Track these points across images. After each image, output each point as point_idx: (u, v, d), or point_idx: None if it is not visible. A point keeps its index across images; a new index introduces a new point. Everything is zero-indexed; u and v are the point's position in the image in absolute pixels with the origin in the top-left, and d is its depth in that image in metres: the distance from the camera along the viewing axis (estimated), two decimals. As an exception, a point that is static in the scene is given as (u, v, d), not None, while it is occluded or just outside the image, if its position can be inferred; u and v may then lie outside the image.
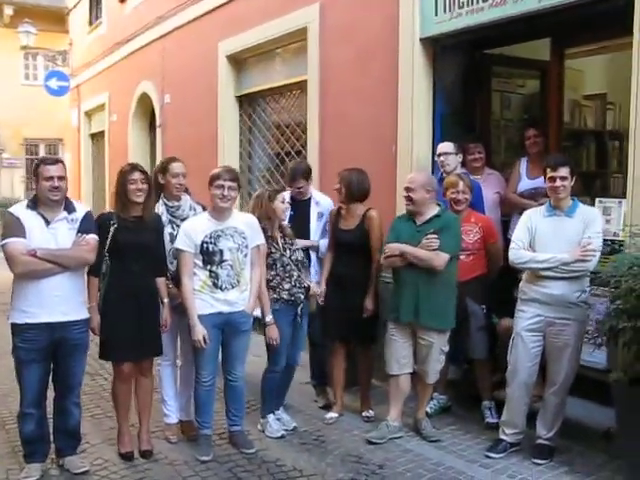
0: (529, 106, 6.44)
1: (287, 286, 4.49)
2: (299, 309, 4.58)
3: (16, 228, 3.78)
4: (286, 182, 5.29)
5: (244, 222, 4.24)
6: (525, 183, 5.31)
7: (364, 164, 5.86)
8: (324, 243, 5.14)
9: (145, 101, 10.86)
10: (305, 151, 7.04)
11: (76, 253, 3.89)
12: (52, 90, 14.07)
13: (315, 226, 5.18)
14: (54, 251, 3.83)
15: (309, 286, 4.68)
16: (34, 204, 3.92)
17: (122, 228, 4.12)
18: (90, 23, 13.45)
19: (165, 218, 4.46)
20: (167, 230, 4.43)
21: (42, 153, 19.56)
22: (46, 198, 3.86)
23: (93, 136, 13.89)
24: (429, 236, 4.27)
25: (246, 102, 8.29)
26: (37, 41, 15.25)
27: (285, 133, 7.57)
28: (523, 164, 5.38)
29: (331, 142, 6.41)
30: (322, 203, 5.26)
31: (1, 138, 18.27)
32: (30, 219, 3.84)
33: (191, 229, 4.16)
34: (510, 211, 5.39)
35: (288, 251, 4.59)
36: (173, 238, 4.35)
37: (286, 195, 4.77)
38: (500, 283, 4.96)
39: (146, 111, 11.09)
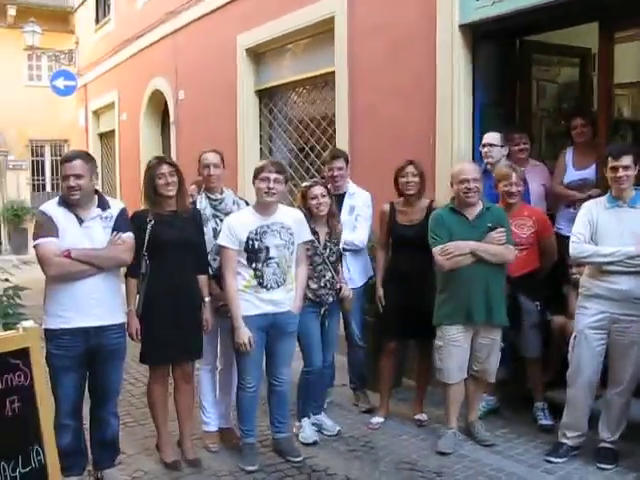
0: (565, 95, 6.23)
1: (314, 286, 4.29)
2: (322, 310, 4.38)
3: (49, 227, 3.55)
4: (325, 161, 5.02)
5: (291, 217, 4.02)
6: (572, 174, 5.10)
7: (399, 158, 5.65)
8: (357, 238, 4.90)
9: (157, 98, 10.66)
10: (332, 146, 6.82)
11: (112, 253, 3.67)
12: (59, 90, 13.85)
13: (346, 220, 4.90)
14: (89, 251, 3.61)
15: (341, 287, 4.47)
16: (65, 202, 3.69)
17: (160, 224, 3.91)
18: (97, 21, 13.26)
19: (208, 212, 4.27)
20: (210, 225, 4.23)
21: (47, 154, 19.33)
22: (67, 198, 3.64)
23: (102, 136, 13.68)
24: (499, 230, 4.08)
25: (266, 96, 8.08)
26: (41, 41, 15.01)
27: (309, 127, 7.36)
28: (569, 155, 5.18)
29: (362, 136, 6.20)
30: (357, 195, 5.00)
31: (6, 140, 17.99)
32: (63, 218, 3.61)
33: (235, 224, 3.94)
34: (556, 203, 5.19)
35: (328, 250, 4.39)
36: (217, 234, 4.14)
37: (317, 190, 4.37)
38: (550, 279, 4.77)
39: (158, 108, 10.88)
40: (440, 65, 5.35)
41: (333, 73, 6.64)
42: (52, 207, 3.66)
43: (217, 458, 4.22)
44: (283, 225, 3.95)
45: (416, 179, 4.55)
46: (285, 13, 7.17)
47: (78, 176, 3.59)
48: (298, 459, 4.10)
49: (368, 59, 6.13)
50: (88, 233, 3.65)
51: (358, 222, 4.88)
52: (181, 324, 3.93)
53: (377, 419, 4.75)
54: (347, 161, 5.08)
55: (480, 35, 5.30)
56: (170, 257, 3.92)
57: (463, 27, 5.23)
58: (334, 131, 6.81)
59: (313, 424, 4.52)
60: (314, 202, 4.28)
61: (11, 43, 17.34)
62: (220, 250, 3.99)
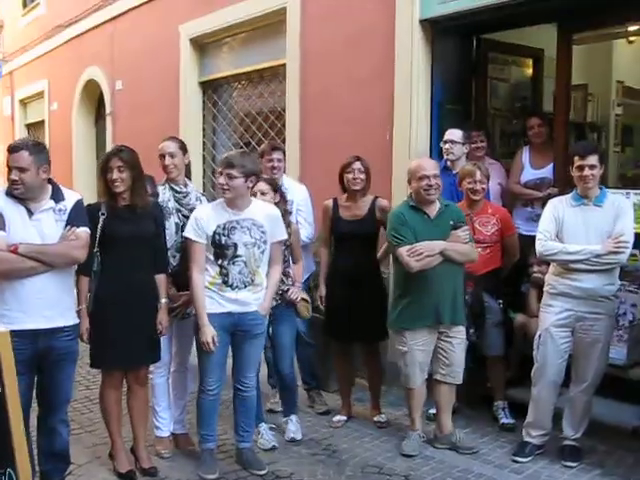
0: (516, 95, 6.26)
1: None
2: None
3: None
4: (265, 152, 4.83)
5: (264, 214, 3.79)
6: (529, 173, 5.12)
7: (354, 152, 5.55)
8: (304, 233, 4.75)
9: (91, 88, 10.17)
10: (280, 140, 6.65)
11: (64, 249, 3.37)
12: (-18, 76, 13.09)
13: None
14: (38, 247, 3.31)
15: (288, 289, 4.22)
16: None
17: (113, 218, 3.66)
18: (25, 4, 12.56)
19: (171, 205, 4.04)
20: (173, 219, 4.01)
21: (-33, 145, 18.31)
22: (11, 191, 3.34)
23: (29, 126, 12.99)
24: (464, 228, 4.02)
25: (211, 88, 7.81)
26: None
27: (256, 121, 7.13)
28: (525, 154, 5.20)
29: (314, 130, 6.04)
30: (294, 189, 4.85)
31: None
32: (10, 209, 3.31)
33: (203, 217, 3.71)
34: (512, 202, 5.19)
35: None
36: (179, 229, 3.93)
37: (262, 186, 4.15)
38: (509, 277, 4.76)
39: (92, 99, 10.40)
40: (399, 60, 5.25)
41: (283, 65, 6.45)
42: (1, 197, 3.35)
43: (174, 466, 4.00)
44: (254, 222, 3.73)
45: (362, 175, 4.48)
46: (233, 3, 6.92)
47: (21, 169, 3.27)
48: (263, 472, 3.88)
49: (322, 51, 5.97)
50: (38, 227, 3.36)
51: (300, 217, 4.76)
52: (135, 326, 3.68)
53: (340, 417, 4.67)
54: (284, 154, 4.94)
55: (439, 31, 5.23)
56: (123, 254, 3.67)
57: (423, 22, 5.13)
58: (283, 125, 6.64)
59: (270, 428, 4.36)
60: (260, 197, 4.05)
61: None
62: (187, 244, 3.76)
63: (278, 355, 4.35)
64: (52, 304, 3.36)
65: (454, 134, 4.86)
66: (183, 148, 4.26)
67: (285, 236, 3.94)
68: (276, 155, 4.77)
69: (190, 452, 4.12)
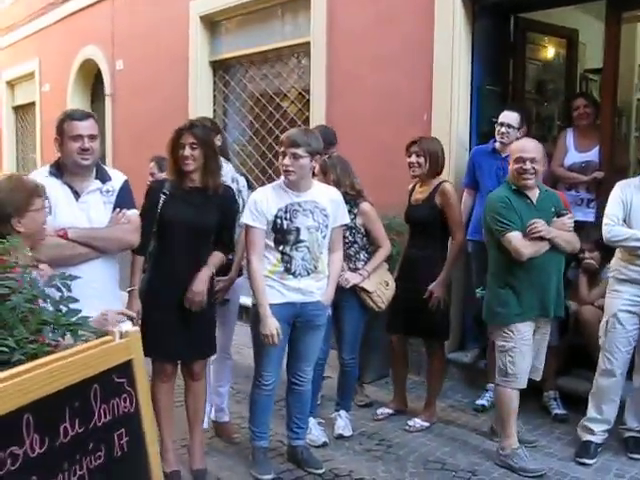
0: (548, 76, 6.07)
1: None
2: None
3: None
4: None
5: (327, 196, 3.54)
6: (574, 156, 4.96)
7: (386, 135, 5.37)
8: None
9: (88, 68, 9.78)
10: (301, 121, 6.42)
11: (118, 233, 3.16)
12: (-35, 56, 12.53)
13: None
14: (89, 231, 3.09)
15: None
16: (58, 171, 3.15)
17: (175, 199, 3.41)
18: (12, -18, 12.06)
19: None
20: None
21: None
22: (73, 163, 3.10)
23: (17, 108, 12.52)
24: (569, 215, 3.78)
25: (222, 68, 7.51)
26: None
27: (273, 102, 6.88)
28: (570, 136, 5.03)
29: (342, 111, 5.79)
30: None
31: None
32: (55, 190, 3.06)
33: (262, 200, 3.43)
34: (554, 186, 5.02)
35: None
36: None
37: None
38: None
39: (89, 79, 10.00)
40: (439, 39, 5.04)
41: (306, 44, 6.20)
42: (43, 177, 3.08)
43: (223, 466, 3.78)
44: (317, 205, 3.47)
45: (420, 159, 4.21)
46: (248, -22, 6.65)
47: (93, 137, 3.09)
48: (320, 471, 3.67)
49: (351, 28, 5.73)
50: (86, 209, 3.13)
51: None
52: (188, 320, 3.44)
53: (384, 410, 4.48)
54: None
55: (480, 9, 5.04)
56: (182, 240, 3.41)
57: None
58: (304, 106, 6.41)
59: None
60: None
61: None
62: (245, 230, 3.51)
63: (339, 342, 4.16)
64: (102, 294, 3.10)
65: (511, 118, 4.63)
66: (215, 129, 4.05)
67: (347, 220, 3.72)
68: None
69: (234, 440, 4.02)
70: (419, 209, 4.24)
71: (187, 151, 3.37)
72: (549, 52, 5.93)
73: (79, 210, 3.12)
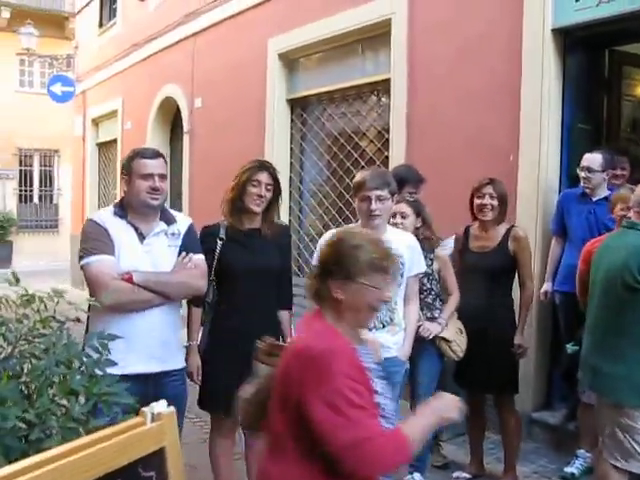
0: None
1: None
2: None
3: (103, 242, 2.84)
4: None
5: (403, 243, 3.28)
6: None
7: (468, 175, 5.05)
8: None
9: (168, 106, 9.92)
10: (380, 161, 6.19)
11: (185, 279, 2.96)
12: (56, 96, 12.98)
13: None
14: (154, 275, 2.90)
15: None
16: (123, 211, 2.98)
17: (233, 244, 3.23)
18: (101, 25, 12.48)
19: None
20: None
21: (36, 164, 18.53)
22: (141, 203, 2.93)
23: (100, 145, 12.87)
24: None
25: (299, 106, 7.40)
26: (36, 46, 14.24)
27: (351, 141, 6.69)
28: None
29: (422, 150, 5.53)
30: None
31: (-8, 147, 17.17)
32: (120, 231, 2.91)
33: None
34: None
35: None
36: None
37: (404, 207, 3.78)
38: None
39: (168, 117, 10.15)
40: (527, 74, 4.73)
41: (386, 81, 6.00)
42: (108, 217, 2.95)
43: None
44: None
45: (494, 202, 3.91)
46: (328, 15, 6.52)
47: (163, 176, 2.96)
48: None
49: (432, 65, 5.50)
50: (151, 252, 2.95)
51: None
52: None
53: (461, 474, 4.11)
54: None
55: (571, 42, 4.71)
56: (242, 287, 3.23)
57: (556, 31, 4.62)
58: (383, 145, 6.18)
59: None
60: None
61: (3, 47, 16.66)
62: None
63: (414, 395, 3.87)
64: (163, 343, 2.94)
65: (592, 161, 4.28)
66: None
67: (424, 269, 3.44)
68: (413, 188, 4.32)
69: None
70: (490, 257, 3.92)
71: (262, 191, 3.20)
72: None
73: (144, 253, 2.95)
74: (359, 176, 3.24)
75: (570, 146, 4.78)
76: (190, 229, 3.12)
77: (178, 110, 9.59)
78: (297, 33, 6.97)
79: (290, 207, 7.29)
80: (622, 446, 3.09)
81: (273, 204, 3.29)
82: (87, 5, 13.20)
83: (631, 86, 5.28)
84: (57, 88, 13.01)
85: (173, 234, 3.03)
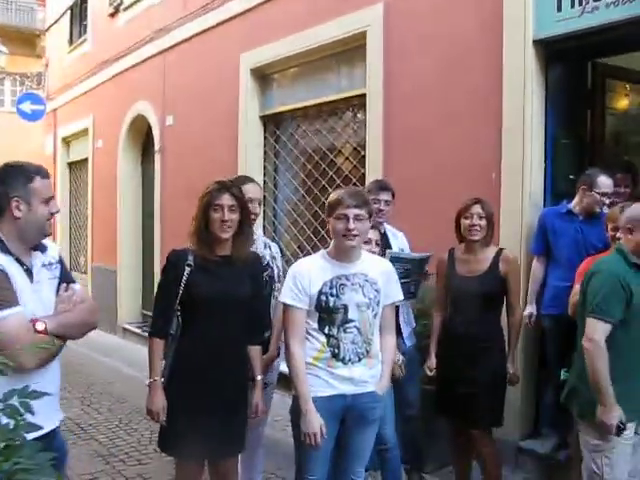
0: (631, 127, 5.47)
1: None
2: None
3: (10, 290, 2.30)
4: (370, 191, 4.15)
5: (378, 268, 3.04)
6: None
7: (448, 195, 4.88)
8: None
9: (139, 124, 9.64)
10: (356, 179, 5.97)
11: (82, 317, 2.52)
12: (25, 114, 12.62)
13: None
14: (59, 319, 2.42)
15: None
16: (3, 244, 2.39)
17: (202, 272, 2.95)
18: (71, 42, 12.19)
19: None
20: None
21: (7, 184, 18.08)
22: (39, 231, 2.48)
23: (71, 165, 12.52)
24: None
25: (273, 123, 7.16)
26: (6, 63, 13.93)
27: (326, 158, 6.46)
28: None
29: (399, 169, 5.31)
30: (400, 237, 4.20)
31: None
32: (14, 272, 2.36)
33: (304, 274, 2.92)
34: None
35: None
36: None
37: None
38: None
39: (139, 135, 9.86)
40: (509, 87, 4.53)
41: (362, 96, 5.79)
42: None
43: None
44: (367, 278, 2.96)
45: (482, 222, 3.69)
46: (300, 29, 6.32)
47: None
48: None
49: (411, 78, 5.29)
50: (39, 291, 2.45)
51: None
52: (221, 407, 2.95)
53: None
54: (394, 197, 4.22)
55: (553, 54, 4.53)
56: (211, 318, 2.96)
57: (537, 43, 4.44)
58: (359, 162, 5.96)
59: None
60: (366, 247, 3.36)
61: (-30, 65, 16.37)
62: (283, 310, 3.00)
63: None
64: (56, 398, 2.53)
65: (608, 185, 4.11)
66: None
67: (401, 297, 3.19)
68: (384, 196, 4.04)
69: None
70: (481, 280, 3.68)
71: (226, 215, 2.94)
72: (631, 101, 5.34)
73: (33, 293, 2.43)
74: (335, 194, 2.96)
75: (554, 161, 4.59)
76: (60, 255, 2.66)
77: (149, 128, 9.32)
78: (269, 48, 6.76)
79: (264, 227, 7.03)
80: (590, 468, 3.04)
81: (243, 228, 3.02)
82: (57, 22, 12.93)
83: (614, 99, 5.11)
84: (26, 106, 12.67)
85: (50, 264, 2.55)
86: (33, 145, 14.49)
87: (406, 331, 4.03)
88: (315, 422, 2.84)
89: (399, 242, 4.14)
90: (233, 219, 2.96)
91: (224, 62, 7.45)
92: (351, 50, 5.94)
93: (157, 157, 9.02)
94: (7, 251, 2.36)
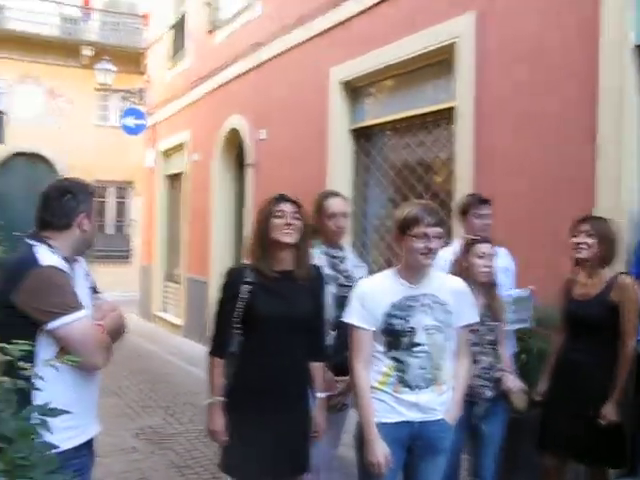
0: None
1: None
2: (475, 409, 3.32)
3: (74, 293, 2.38)
4: (471, 205, 4.05)
5: (449, 288, 2.88)
6: None
7: (543, 212, 4.64)
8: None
9: (233, 138, 9.81)
10: (443, 194, 5.79)
11: (116, 322, 2.58)
12: (129, 128, 13.21)
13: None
14: (107, 322, 2.52)
15: (502, 378, 3.38)
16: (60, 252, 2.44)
17: (262, 290, 2.88)
18: (171, 59, 12.62)
19: (328, 272, 3.28)
20: (329, 289, 3.25)
21: (112, 196, 19.08)
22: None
23: (170, 178, 12.92)
24: None
25: (363, 137, 7.08)
26: (113, 81, 14.61)
27: (415, 173, 6.31)
28: None
29: (491, 184, 5.08)
30: (503, 254, 4.00)
31: (71, 180, 17.74)
32: (77, 279, 2.48)
33: (370, 294, 2.80)
34: None
35: (484, 327, 3.33)
36: (336, 301, 3.21)
37: (485, 248, 3.44)
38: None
39: (233, 149, 10.03)
40: (605, 100, 4.23)
41: (450, 109, 5.62)
42: (60, 261, 2.39)
43: None
44: (437, 299, 2.80)
45: (589, 240, 3.47)
46: (390, 42, 6.22)
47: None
48: None
49: (503, 90, 5.08)
50: (82, 298, 2.47)
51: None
52: (283, 427, 2.88)
53: None
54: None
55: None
56: (271, 336, 2.89)
57: (638, 48, 4.15)
58: (448, 177, 5.78)
59: None
60: (481, 262, 3.28)
61: (84, 84, 17.50)
62: (349, 331, 2.88)
63: (482, 461, 3.46)
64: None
65: None
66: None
67: (476, 319, 3.02)
68: (486, 210, 4.01)
69: None
70: (588, 306, 3.47)
71: (289, 219, 2.86)
72: None
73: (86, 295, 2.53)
74: (409, 210, 2.79)
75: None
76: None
77: (242, 141, 9.45)
78: (359, 61, 6.70)
79: (353, 242, 6.94)
80: None
81: (305, 240, 2.94)
82: (159, 40, 13.41)
83: None
84: (130, 121, 13.25)
85: (87, 275, 2.61)
86: (136, 158, 15.16)
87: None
88: (379, 450, 2.72)
89: (506, 261, 3.99)
90: (297, 225, 2.88)
91: (314, 76, 7.46)
92: (441, 62, 5.79)
93: (249, 171, 9.14)
94: (65, 259, 2.44)
